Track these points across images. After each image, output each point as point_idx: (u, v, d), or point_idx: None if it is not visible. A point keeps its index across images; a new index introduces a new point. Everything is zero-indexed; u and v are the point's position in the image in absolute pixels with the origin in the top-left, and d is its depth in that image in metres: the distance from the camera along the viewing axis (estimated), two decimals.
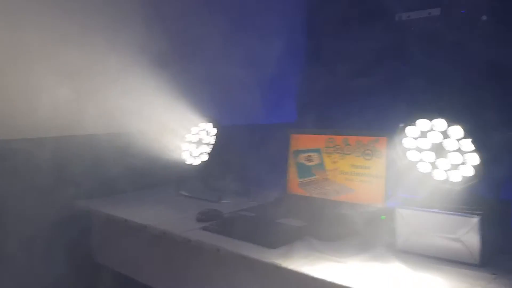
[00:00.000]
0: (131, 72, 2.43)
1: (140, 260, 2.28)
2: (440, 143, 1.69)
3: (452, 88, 2.11)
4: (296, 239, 1.82)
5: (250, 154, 2.53)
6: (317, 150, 2.25)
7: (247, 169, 2.61)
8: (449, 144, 1.66)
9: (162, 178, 2.74)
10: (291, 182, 2.34)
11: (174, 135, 2.58)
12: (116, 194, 2.60)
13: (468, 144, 1.61)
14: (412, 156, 1.77)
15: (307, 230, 1.89)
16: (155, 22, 2.53)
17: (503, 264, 1.56)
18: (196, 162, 2.55)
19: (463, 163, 1.64)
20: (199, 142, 2.57)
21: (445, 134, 1.67)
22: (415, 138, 1.75)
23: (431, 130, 1.70)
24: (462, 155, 1.64)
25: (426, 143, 1.72)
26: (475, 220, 1.54)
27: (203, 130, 2.58)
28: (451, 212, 1.60)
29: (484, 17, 2.36)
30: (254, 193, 2.59)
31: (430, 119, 1.69)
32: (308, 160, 2.27)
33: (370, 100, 2.70)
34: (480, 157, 1.60)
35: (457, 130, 1.63)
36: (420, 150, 1.75)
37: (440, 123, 1.67)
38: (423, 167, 1.75)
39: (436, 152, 1.71)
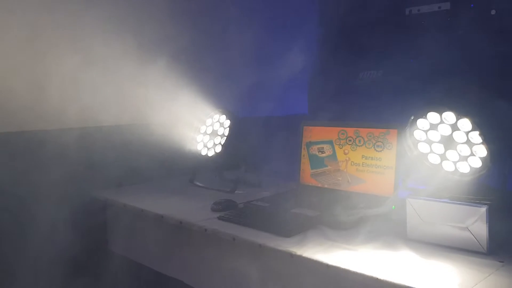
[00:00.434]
0: (153, 65, 2.49)
1: (155, 249, 2.33)
2: (450, 135, 1.73)
3: (461, 82, 2.14)
4: (309, 228, 1.87)
5: (263, 145, 2.58)
6: (329, 142, 2.30)
7: (260, 160, 2.65)
8: (458, 136, 1.70)
9: (177, 169, 2.79)
10: (303, 173, 2.39)
11: (189, 127, 2.63)
12: (131, 185, 2.67)
13: (476, 137, 1.65)
14: (422, 147, 1.82)
15: (319, 220, 1.94)
16: (179, 16, 2.59)
17: (510, 253, 1.60)
18: (210, 153, 2.60)
19: (471, 155, 1.69)
20: (214, 134, 2.62)
21: (454, 127, 1.71)
22: (426, 131, 1.79)
23: (441, 122, 1.74)
24: (470, 147, 1.68)
25: (436, 135, 1.77)
26: (483, 210, 1.59)
27: (217, 122, 2.63)
28: (459, 202, 1.65)
29: (493, 11, 2.38)
30: (267, 184, 2.64)
31: (440, 113, 1.73)
32: (320, 151, 2.32)
33: (381, 93, 2.73)
34: (488, 149, 1.64)
35: (466, 123, 1.67)
36: (430, 142, 1.79)
37: (449, 116, 1.71)
38: (433, 159, 1.80)
39: (446, 144, 1.75)
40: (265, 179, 2.68)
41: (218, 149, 2.57)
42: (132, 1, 2.53)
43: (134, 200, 2.36)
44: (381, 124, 2.13)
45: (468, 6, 2.49)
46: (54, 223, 2.32)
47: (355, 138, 2.20)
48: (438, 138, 1.77)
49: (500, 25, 2.34)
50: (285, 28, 3.33)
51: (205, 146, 2.63)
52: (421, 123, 1.79)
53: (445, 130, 1.74)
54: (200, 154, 2.62)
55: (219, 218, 2.04)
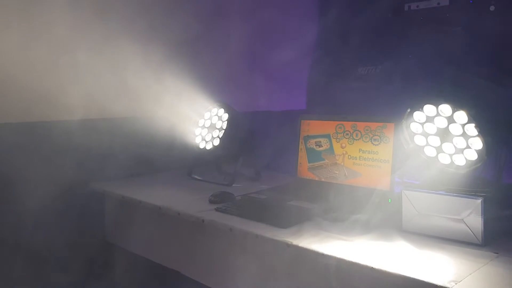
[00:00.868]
0: (154, 59, 2.51)
1: (153, 240, 2.35)
2: (446, 128, 1.74)
3: (458, 75, 2.15)
4: (305, 220, 1.88)
5: (260, 139, 2.59)
6: (326, 136, 2.31)
7: (258, 154, 2.66)
8: (454, 129, 1.71)
9: (175, 162, 2.80)
10: (301, 166, 2.40)
11: (187, 120, 2.64)
12: (129, 177, 2.68)
13: (472, 129, 1.66)
14: (418, 140, 1.83)
15: (316, 212, 1.94)
16: (178, 8, 2.61)
17: (505, 244, 1.62)
18: (208, 146, 2.61)
19: (467, 147, 1.70)
20: (212, 127, 2.63)
21: (450, 119, 1.72)
22: (422, 123, 1.81)
23: (437, 115, 1.75)
24: (466, 139, 1.69)
25: (432, 128, 1.78)
26: (478, 202, 1.60)
27: (215, 115, 2.64)
28: (455, 194, 1.66)
29: (492, 7, 2.39)
30: (264, 177, 2.66)
31: (437, 105, 1.74)
32: (318, 145, 2.33)
33: (379, 89, 2.74)
34: (484, 142, 1.65)
35: (462, 115, 1.68)
36: (426, 134, 1.81)
37: (446, 108, 1.72)
38: (429, 151, 1.81)
39: (442, 136, 1.76)
40: (262, 172, 2.70)
41: (216, 142, 2.57)
42: None
43: (132, 192, 2.37)
44: (378, 118, 2.13)
45: (467, 2, 2.50)
46: (52, 214, 2.33)
47: (352, 132, 2.21)
48: (434, 131, 1.78)
49: (499, 21, 2.35)
50: (284, 23, 3.34)
51: (203, 139, 2.63)
52: (417, 115, 1.80)
53: (441, 122, 1.75)
54: (198, 148, 2.62)
55: (217, 209, 2.06)
